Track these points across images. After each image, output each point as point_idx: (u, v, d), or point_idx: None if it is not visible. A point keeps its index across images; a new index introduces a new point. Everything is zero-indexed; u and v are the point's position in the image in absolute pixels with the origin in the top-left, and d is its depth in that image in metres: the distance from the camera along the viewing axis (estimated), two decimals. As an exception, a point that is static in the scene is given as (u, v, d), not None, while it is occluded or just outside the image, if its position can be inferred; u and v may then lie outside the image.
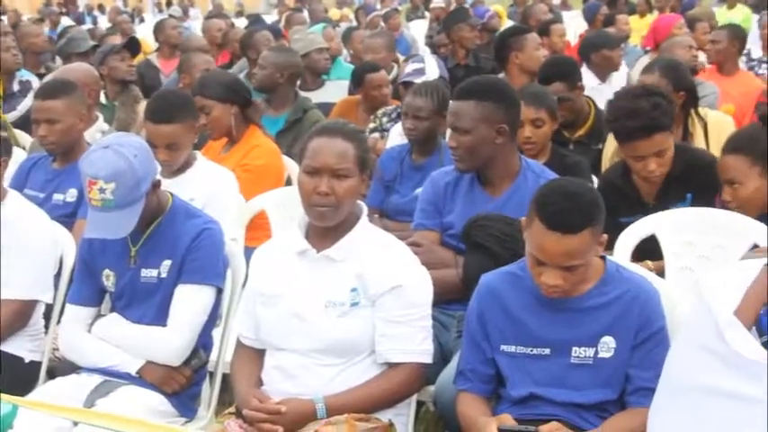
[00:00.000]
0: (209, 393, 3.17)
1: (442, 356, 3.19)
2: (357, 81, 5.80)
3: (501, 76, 5.61)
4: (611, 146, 4.41)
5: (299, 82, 5.80)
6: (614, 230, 3.50)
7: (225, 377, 3.12)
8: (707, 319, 2.21)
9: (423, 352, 2.75)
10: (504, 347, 2.66)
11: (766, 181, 3.25)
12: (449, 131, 3.45)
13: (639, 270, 2.85)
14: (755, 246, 3.18)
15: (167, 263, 2.99)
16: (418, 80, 4.99)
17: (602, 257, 2.67)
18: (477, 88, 3.38)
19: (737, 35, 6.32)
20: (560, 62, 5.01)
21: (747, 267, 2.27)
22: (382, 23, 10.53)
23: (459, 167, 3.39)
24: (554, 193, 2.55)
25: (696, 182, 3.57)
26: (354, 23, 12.63)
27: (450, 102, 3.47)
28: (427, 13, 14.11)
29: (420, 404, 3.29)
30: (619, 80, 6.33)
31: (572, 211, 2.48)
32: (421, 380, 2.79)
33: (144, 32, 10.86)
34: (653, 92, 3.61)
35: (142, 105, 5.36)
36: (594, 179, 4.08)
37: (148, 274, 3.00)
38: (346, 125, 2.85)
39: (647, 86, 3.72)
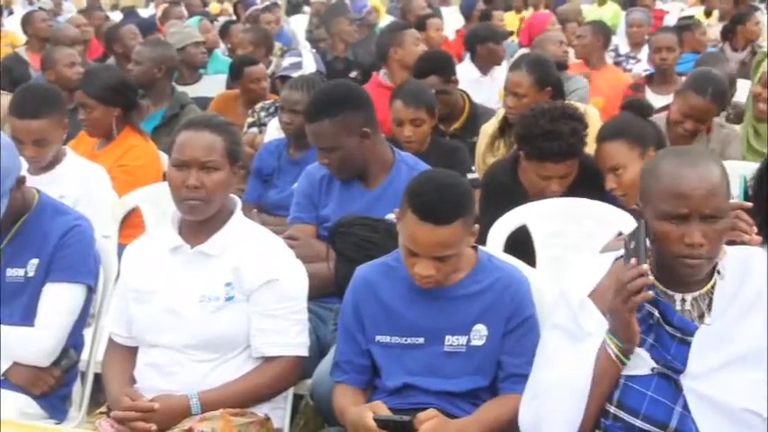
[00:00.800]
0: (80, 394, 3.09)
1: (320, 349, 3.20)
2: (235, 75, 5.75)
3: (382, 72, 5.66)
4: (483, 142, 4.49)
5: (175, 76, 5.71)
6: None
7: (97, 377, 3.05)
8: (563, 302, 2.30)
9: (298, 345, 2.75)
10: (378, 338, 2.68)
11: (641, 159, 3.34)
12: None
13: (510, 259, 2.92)
14: (620, 233, 3.30)
15: (34, 261, 2.90)
16: (295, 74, 4.98)
17: (474, 247, 2.72)
18: (324, 106, 3.35)
19: (601, 31, 6.52)
20: (435, 56, 5.08)
21: (605, 256, 2.35)
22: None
23: (338, 178, 3.40)
24: (425, 184, 2.58)
25: (581, 188, 3.61)
26: (234, 17, 12.50)
27: (306, 125, 3.43)
28: (307, 8, 14.07)
29: (299, 398, 3.29)
30: (500, 74, 6.43)
31: (443, 202, 2.52)
32: (296, 373, 2.79)
33: (13, 25, 10.49)
34: (572, 116, 3.57)
35: (5, 99, 5.17)
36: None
37: (14, 273, 2.91)
38: (214, 118, 2.83)
39: (567, 109, 3.66)
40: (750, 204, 2.41)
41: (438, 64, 4.83)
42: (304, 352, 2.77)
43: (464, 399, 2.64)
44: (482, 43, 6.28)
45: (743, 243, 2.35)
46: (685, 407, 2.14)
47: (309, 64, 5.31)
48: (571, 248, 3.49)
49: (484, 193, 3.77)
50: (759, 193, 2.43)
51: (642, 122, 3.45)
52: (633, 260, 2.14)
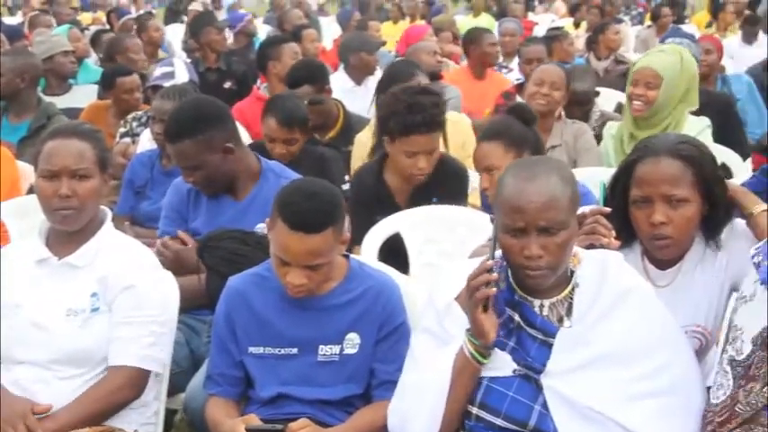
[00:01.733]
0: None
1: (194, 362, 3.16)
2: (107, 85, 5.63)
3: (262, 85, 5.64)
4: (358, 151, 4.51)
5: (42, 86, 5.54)
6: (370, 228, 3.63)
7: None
8: (430, 307, 2.35)
9: (145, 357, 2.67)
10: (252, 349, 2.67)
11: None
12: None
13: (382, 267, 2.95)
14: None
15: None
16: (167, 84, 4.91)
17: (346, 255, 2.74)
18: (184, 125, 3.29)
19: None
20: (308, 66, 5.08)
21: (473, 261, 2.41)
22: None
23: (206, 194, 3.36)
24: (295, 193, 2.58)
25: (444, 187, 3.71)
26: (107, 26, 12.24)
27: (167, 145, 3.39)
28: (186, 17, 13.90)
29: (172, 413, 3.24)
30: (373, 84, 6.47)
31: (313, 210, 2.52)
32: (139, 387, 2.69)
33: None
34: (430, 91, 3.74)
35: None
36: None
37: None
38: (81, 125, 2.79)
39: (425, 86, 3.80)
40: (608, 210, 2.49)
41: (311, 73, 4.84)
42: (152, 366, 2.70)
43: (338, 407, 2.65)
44: (355, 53, 6.32)
45: (602, 247, 2.43)
46: (544, 406, 2.21)
47: (182, 73, 5.24)
48: (444, 255, 3.55)
49: (352, 196, 3.81)
50: (613, 198, 2.52)
51: (522, 128, 3.51)
52: (486, 259, 2.21)
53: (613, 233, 2.46)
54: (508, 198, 2.19)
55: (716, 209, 2.48)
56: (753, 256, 2.24)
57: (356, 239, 3.57)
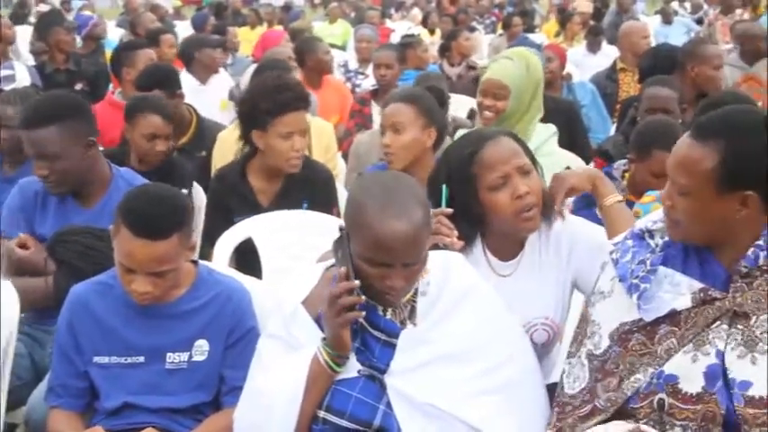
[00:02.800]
0: None
1: (36, 374, 3.05)
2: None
3: (117, 91, 5.52)
4: (221, 148, 4.43)
5: None
6: (226, 229, 3.58)
7: None
8: (277, 311, 2.34)
9: None
10: (96, 359, 2.60)
11: (426, 139, 3.54)
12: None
13: (233, 273, 2.92)
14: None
15: None
16: (8, 87, 4.74)
17: (194, 261, 2.70)
18: (50, 112, 3.19)
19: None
20: (159, 70, 5.00)
21: (320, 265, 2.42)
22: None
23: (55, 192, 3.25)
24: (139, 198, 2.53)
25: (313, 191, 3.70)
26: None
27: (26, 132, 3.23)
28: (33, 19, 13.43)
29: (12, 427, 3.12)
30: (219, 83, 6.41)
31: (158, 216, 2.48)
32: None
33: None
34: (290, 69, 3.83)
35: None
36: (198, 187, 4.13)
37: None
38: None
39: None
40: (450, 211, 2.54)
41: (162, 78, 4.76)
42: None
43: (186, 415, 2.61)
44: (199, 50, 6.23)
45: (445, 247, 2.48)
46: (389, 405, 2.23)
47: (23, 77, 5.06)
48: (297, 260, 3.54)
49: (211, 197, 3.79)
50: (452, 199, 2.56)
51: (437, 106, 3.67)
52: (343, 269, 2.20)
53: (455, 233, 2.51)
54: (373, 235, 2.15)
55: None
56: (611, 252, 2.30)
57: (213, 241, 3.56)
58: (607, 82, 6.60)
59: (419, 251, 2.18)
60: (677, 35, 10.75)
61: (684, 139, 2.18)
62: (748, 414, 2.05)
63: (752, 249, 2.12)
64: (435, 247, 2.43)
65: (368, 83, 7.39)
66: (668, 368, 2.14)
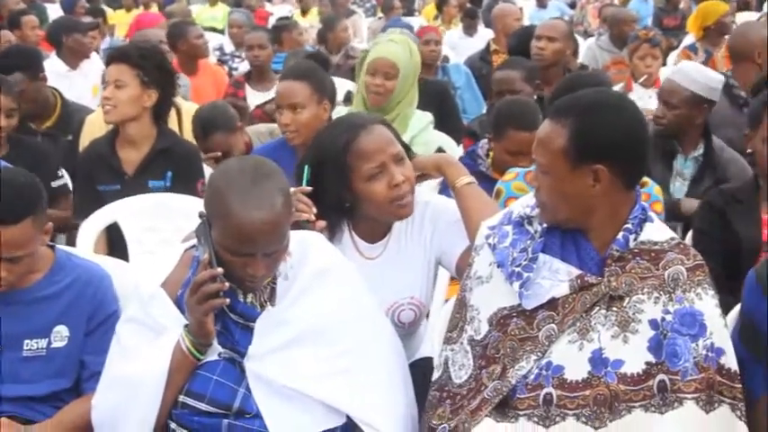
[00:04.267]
0: None
1: None
2: None
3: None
4: (89, 130, 4.33)
5: None
6: (94, 199, 3.60)
7: None
8: (136, 295, 2.30)
9: None
10: None
11: (323, 113, 3.59)
12: None
13: (91, 256, 2.86)
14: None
15: None
16: None
17: (52, 246, 2.63)
18: None
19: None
20: (20, 52, 4.82)
21: (180, 247, 2.38)
22: None
23: None
24: None
25: (178, 163, 3.68)
26: None
27: None
28: None
29: None
30: (90, 68, 6.23)
31: (9, 200, 2.41)
32: None
33: None
34: None
35: None
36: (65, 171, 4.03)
37: None
38: None
39: None
40: (309, 189, 2.54)
41: (23, 60, 4.60)
42: None
43: (45, 402, 2.55)
44: (68, 35, 6.04)
45: (306, 225, 2.48)
46: (248, 388, 2.22)
47: None
48: (164, 243, 3.49)
49: (79, 165, 3.78)
50: (321, 183, 2.56)
51: (326, 75, 3.75)
52: (205, 256, 2.18)
53: (314, 209, 2.51)
54: (234, 225, 2.11)
55: None
56: (487, 237, 2.32)
57: (83, 214, 3.55)
58: (481, 64, 6.69)
59: (280, 240, 2.17)
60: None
61: (545, 121, 2.25)
62: (620, 390, 2.12)
63: (621, 234, 2.19)
64: (295, 225, 2.42)
65: (245, 66, 7.32)
66: (555, 358, 2.18)
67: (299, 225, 2.45)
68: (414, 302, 2.65)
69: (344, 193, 2.54)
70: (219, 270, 2.15)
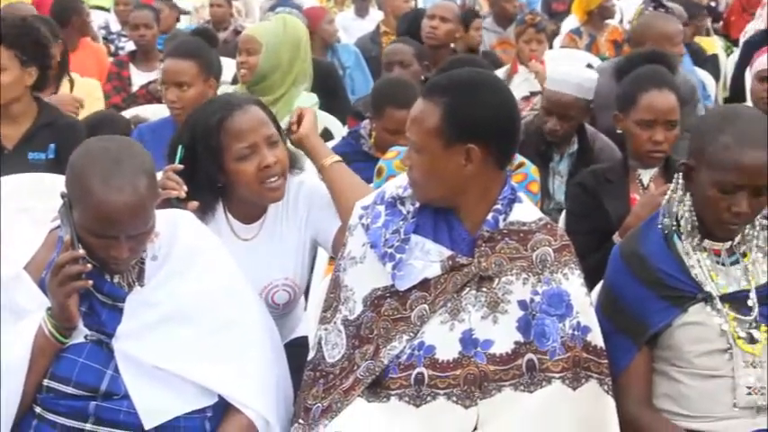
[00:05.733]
0: None
1: None
2: None
3: None
4: None
5: None
6: None
7: None
8: None
9: None
10: None
11: (209, 90, 3.61)
12: None
13: None
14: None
15: None
16: None
17: None
18: None
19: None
20: None
21: (44, 227, 2.33)
22: None
23: None
24: None
25: (60, 136, 3.60)
26: None
27: None
28: None
29: None
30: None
31: None
32: None
33: None
34: None
35: None
36: None
37: None
38: None
39: None
40: (181, 167, 2.51)
41: None
42: None
43: None
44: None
45: (178, 200, 2.44)
46: (117, 369, 2.18)
47: None
48: (38, 224, 3.38)
49: None
50: (196, 161, 2.53)
51: (212, 52, 3.77)
52: (67, 237, 2.13)
53: (185, 187, 2.47)
54: (96, 207, 2.06)
55: None
56: (360, 217, 2.32)
57: None
58: (372, 45, 6.70)
59: (145, 223, 2.13)
60: (444, 1, 11.04)
61: (419, 99, 2.25)
62: (489, 370, 2.15)
63: (491, 214, 2.22)
64: (166, 204, 2.38)
65: (131, 45, 7.16)
66: (427, 338, 2.20)
67: (170, 203, 2.41)
68: (288, 283, 2.65)
69: (217, 172, 2.52)
70: (81, 252, 2.11)
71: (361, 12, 8.81)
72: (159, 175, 2.52)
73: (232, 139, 2.49)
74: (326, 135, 4.26)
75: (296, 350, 2.61)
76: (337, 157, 2.67)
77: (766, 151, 2.20)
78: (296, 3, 6.86)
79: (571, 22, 7.31)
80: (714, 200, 2.25)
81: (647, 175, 3.25)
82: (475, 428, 2.15)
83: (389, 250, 2.24)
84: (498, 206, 2.23)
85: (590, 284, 2.38)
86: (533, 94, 5.07)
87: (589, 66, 5.46)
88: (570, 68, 3.81)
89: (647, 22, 4.94)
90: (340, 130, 4.50)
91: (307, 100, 4.27)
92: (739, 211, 2.23)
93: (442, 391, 2.16)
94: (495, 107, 2.20)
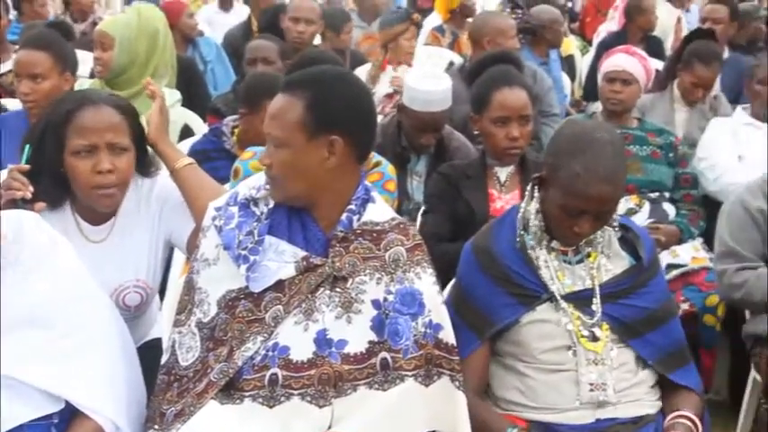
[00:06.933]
0: None
1: None
2: None
3: None
4: None
5: None
6: None
7: None
8: None
9: None
10: None
11: (65, 84, 3.50)
12: None
13: None
14: None
15: None
16: None
17: None
18: None
19: None
20: None
21: None
22: None
23: None
24: None
25: None
26: None
27: None
28: None
29: None
30: None
31: None
32: None
33: None
34: None
35: None
36: None
37: None
38: None
39: None
40: (27, 167, 2.45)
41: None
42: None
43: None
44: None
45: (24, 202, 2.37)
46: None
47: None
48: None
49: None
50: (42, 157, 2.47)
51: (67, 45, 3.67)
52: None
53: (30, 188, 2.41)
54: None
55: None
56: (213, 219, 2.29)
57: None
58: (242, 41, 6.60)
59: None
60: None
61: (278, 95, 2.25)
62: (344, 370, 2.17)
63: (345, 215, 2.23)
64: (12, 205, 2.31)
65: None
66: (281, 339, 2.19)
67: (15, 204, 2.34)
68: (140, 285, 2.60)
69: (58, 163, 2.45)
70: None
71: (225, 5, 8.68)
72: (3, 174, 2.46)
73: (74, 133, 2.43)
74: (187, 132, 4.19)
75: (150, 352, 2.56)
76: (189, 160, 2.64)
77: (612, 184, 2.31)
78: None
79: (434, 19, 7.40)
80: (559, 218, 2.36)
81: (503, 173, 3.36)
82: (330, 427, 2.16)
83: (243, 252, 2.23)
84: (352, 206, 2.25)
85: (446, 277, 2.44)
86: (396, 91, 5.11)
87: (451, 63, 5.61)
88: (434, 85, 3.82)
89: (483, 20, 5.10)
90: (201, 127, 4.43)
91: (168, 97, 4.18)
92: (580, 231, 2.35)
93: (296, 392, 2.17)
94: (355, 99, 2.24)
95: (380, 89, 5.23)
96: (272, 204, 2.27)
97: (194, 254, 2.35)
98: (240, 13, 8.15)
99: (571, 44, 7.53)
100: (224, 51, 6.28)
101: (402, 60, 5.35)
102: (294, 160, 2.19)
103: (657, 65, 5.32)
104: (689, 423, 2.35)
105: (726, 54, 5.73)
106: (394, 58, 5.40)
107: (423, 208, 3.47)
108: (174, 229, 2.60)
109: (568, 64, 7.12)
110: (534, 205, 2.41)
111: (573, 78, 7.14)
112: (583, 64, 7.27)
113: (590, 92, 6.14)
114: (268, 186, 2.27)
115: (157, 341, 2.71)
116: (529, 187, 2.45)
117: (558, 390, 2.38)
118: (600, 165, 2.30)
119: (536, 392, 2.40)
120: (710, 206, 3.97)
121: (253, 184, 2.32)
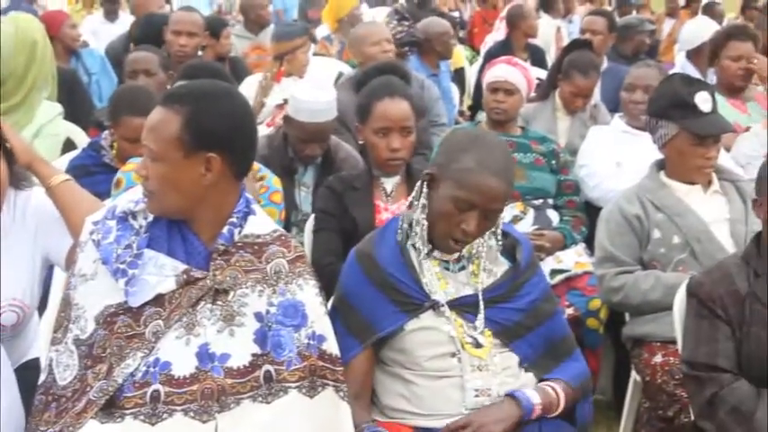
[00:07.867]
0: None
1: None
2: None
3: None
4: None
5: None
6: None
7: None
8: None
9: None
10: None
11: None
12: None
13: None
14: None
15: None
16: None
17: None
18: None
19: None
20: None
21: None
22: None
23: None
24: None
25: None
26: None
27: None
28: None
29: None
30: None
31: None
32: None
33: None
34: None
35: None
36: None
37: None
38: None
39: None
40: None
41: None
42: None
43: None
44: None
45: None
46: None
47: None
48: None
49: None
50: None
51: None
52: None
53: None
54: None
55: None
56: (91, 233, 2.24)
57: None
58: (122, 52, 6.48)
59: None
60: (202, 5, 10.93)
61: (156, 108, 2.22)
62: (227, 384, 2.14)
63: (227, 228, 2.21)
64: None
65: None
66: (162, 355, 2.16)
67: None
68: (16, 304, 2.53)
69: None
70: None
71: (111, 15, 8.54)
72: None
73: None
74: (70, 145, 4.11)
75: (28, 373, 2.50)
76: (65, 176, 2.58)
77: (504, 180, 2.36)
78: (30, 7, 6.53)
79: (323, 29, 7.43)
80: (448, 214, 2.38)
81: (390, 183, 3.37)
82: (213, 443, 2.14)
83: (122, 266, 2.19)
84: (233, 219, 2.23)
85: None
86: (286, 101, 5.10)
87: (340, 74, 5.63)
88: (318, 96, 3.82)
89: (359, 30, 5.18)
90: (84, 140, 4.34)
91: (49, 110, 4.11)
92: (467, 229, 2.37)
93: (178, 408, 2.14)
94: (236, 117, 2.21)
95: (272, 101, 5.22)
96: (151, 218, 2.24)
97: (71, 269, 2.30)
98: (126, 23, 8.01)
99: (461, 56, 7.66)
100: (109, 63, 6.16)
101: (295, 73, 5.35)
102: (170, 175, 2.17)
103: (540, 74, 5.45)
104: (549, 389, 2.42)
105: (605, 65, 5.89)
106: (289, 71, 5.40)
107: (312, 226, 3.46)
108: (51, 246, 2.54)
109: (458, 76, 7.24)
110: (422, 201, 2.42)
111: (463, 90, 7.26)
112: (471, 73, 7.40)
113: (478, 101, 6.25)
114: (144, 201, 2.24)
115: (36, 361, 2.64)
116: (417, 185, 2.45)
117: (443, 396, 2.40)
118: (492, 160, 2.36)
119: (422, 399, 2.42)
120: (591, 212, 4.06)
121: (131, 197, 2.28)
